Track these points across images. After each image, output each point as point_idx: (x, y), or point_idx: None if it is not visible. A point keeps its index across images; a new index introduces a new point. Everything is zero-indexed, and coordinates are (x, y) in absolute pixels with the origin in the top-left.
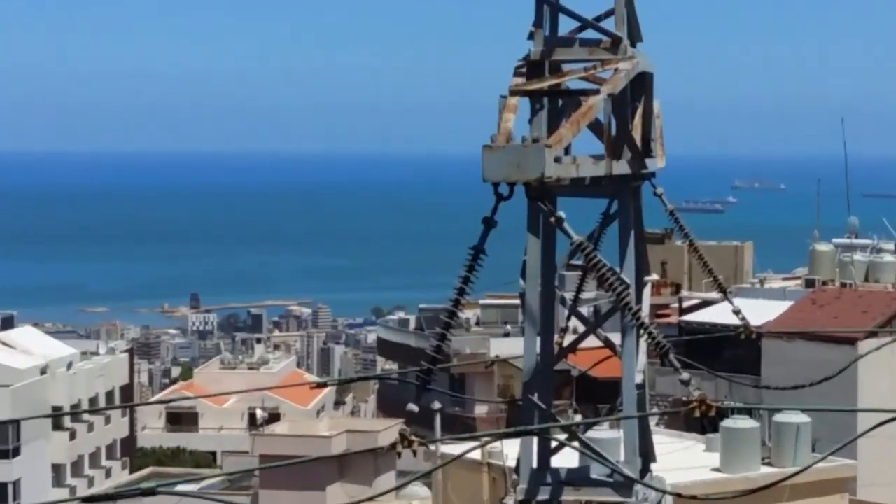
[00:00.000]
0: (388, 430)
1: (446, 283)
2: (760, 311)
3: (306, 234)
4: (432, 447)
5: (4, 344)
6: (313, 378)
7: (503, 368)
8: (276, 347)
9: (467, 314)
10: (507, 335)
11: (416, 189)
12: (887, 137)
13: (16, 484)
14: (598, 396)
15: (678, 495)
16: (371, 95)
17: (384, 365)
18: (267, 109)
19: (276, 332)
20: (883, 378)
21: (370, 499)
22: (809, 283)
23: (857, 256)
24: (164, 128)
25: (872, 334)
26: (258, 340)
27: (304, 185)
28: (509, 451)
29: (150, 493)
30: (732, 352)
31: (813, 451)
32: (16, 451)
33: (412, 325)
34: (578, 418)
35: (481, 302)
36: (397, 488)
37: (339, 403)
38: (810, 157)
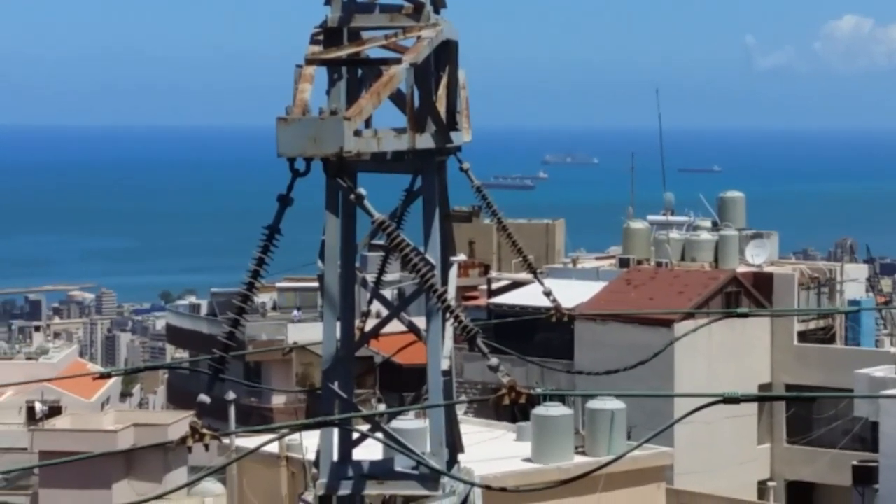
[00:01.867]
0: (178, 423)
1: (240, 265)
2: (573, 293)
3: (88, 213)
4: (226, 440)
5: None
6: (97, 368)
7: (302, 356)
8: (57, 336)
9: (263, 298)
10: (299, 321)
11: (209, 166)
12: (704, 111)
13: None
14: (403, 384)
15: (487, 487)
16: (162, 69)
17: (174, 353)
18: (51, 85)
19: (57, 319)
20: (700, 361)
21: (160, 496)
22: (624, 263)
23: (673, 234)
24: None
25: (689, 316)
26: (37, 328)
27: (88, 161)
28: (309, 443)
29: None
30: (544, 335)
31: (628, 438)
32: None
33: (204, 310)
34: (382, 407)
35: (278, 285)
36: (188, 484)
37: (125, 395)
38: (624, 130)
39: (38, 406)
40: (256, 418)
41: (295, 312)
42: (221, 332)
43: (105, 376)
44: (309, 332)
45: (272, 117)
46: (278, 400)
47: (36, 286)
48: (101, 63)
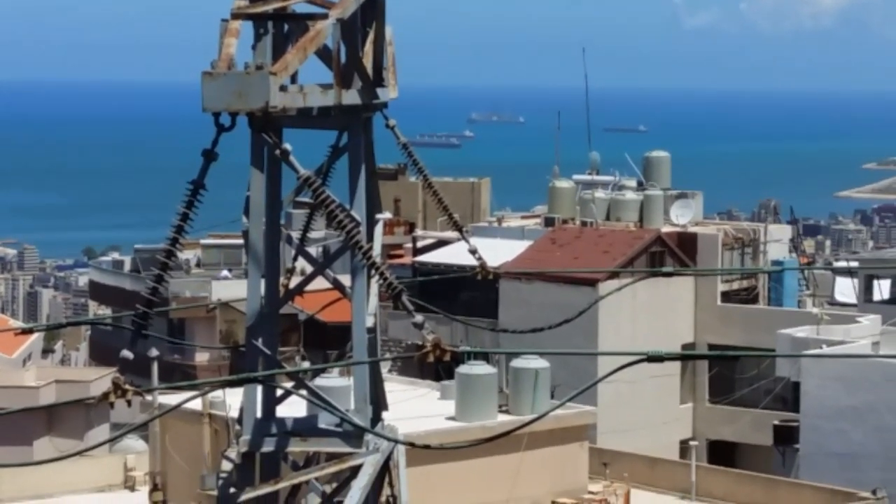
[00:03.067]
0: (100, 380)
1: (165, 221)
2: (498, 251)
3: (8, 168)
4: (149, 397)
5: None
6: (19, 324)
7: (226, 313)
8: None
9: (187, 255)
10: (225, 279)
11: (135, 122)
12: (630, 70)
13: None
14: (327, 342)
15: (411, 445)
16: (89, 24)
17: (97, 310)
18: None
19: None
20: (624, 320)
21: (80, 452)
22: (549, 222)
23: (599, 194)
24: None
25: (614, 275)
26: None
27: (9, 116)
28: (232, 400)
29: None
30: (469, 294)
31: (552, 397)
32: None
33: (127, 266)
34: (306, 365)
35: (202, 242)
36: (110, 440)
37: (47, 352)
38: (550, 88)
39: None
40: (179, 375)
41: (224, 272)
42: (145, 288)
43: (27, 332)
44: (233, 289)
45: (198, 72)
46: (202, 357)
47: None
48: (27, 17)
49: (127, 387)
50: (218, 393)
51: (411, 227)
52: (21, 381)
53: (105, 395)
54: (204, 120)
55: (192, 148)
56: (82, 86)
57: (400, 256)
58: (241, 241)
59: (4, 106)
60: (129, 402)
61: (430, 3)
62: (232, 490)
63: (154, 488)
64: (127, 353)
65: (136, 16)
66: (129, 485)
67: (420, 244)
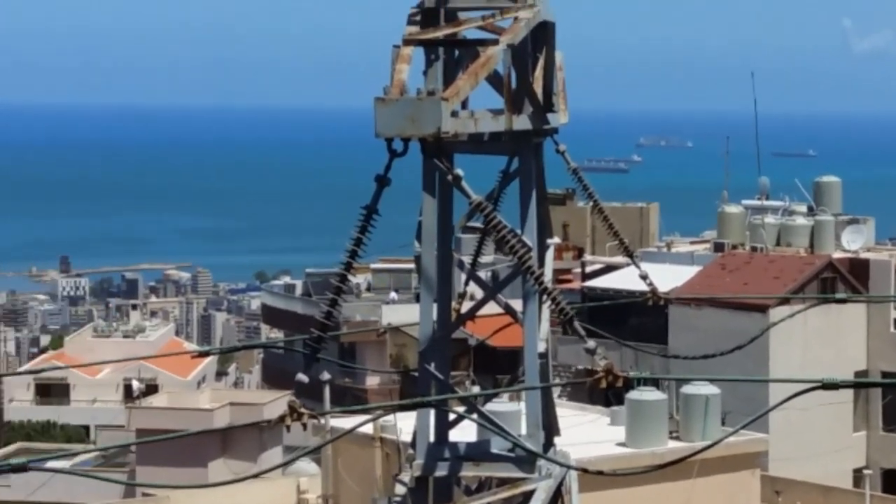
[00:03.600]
0: (273, 403)
1: (335, 245)
2: (667, 277)
3: (186, 193)
4: (320, 421)
5: None
6: (193, 347)
7: (396, 337)
8: (153, 314)
9: (358, 279)
10: (394, 303)
11: (306, 146)
12: (799, 95)
13: None
14: (497, 367)
15: (584, 471)
16: (261, 49)
17: (269, 333)
18: (155, 64)
19: (153, 298)
20: (795, 347)
21: (255, 475)
22: (718, 247)
23: (768, 219)
24: (30, 79)
25: (784, 301)
26: (134, 307)
27: (187, 140)
28: (403, 424)
29: (21, 469)
30: (638, 319)
31: (723, 424)
32: None
33: (299, 290)
34: (476, 390)
35: (373, 266)
36: (284, 464)
37: (221, 374)
38: (719, 114)
39: (135, 384)
40: (350, 399)
41: (392, 294)
42: (319, 311)
43: (202, 355)
44: (403, 314)
45: (369, 98)
46: (372, 381)
47: (133, 265)
48: (200, 40)
49: (303, 410)
50: (389, 417)
51: (580, 253)
52: (196, 404)
53: (281, 418)
54: (375, 145)
55: (364, 172)
56: (257, 111)
57: (569, 281)
58: (410, 266)
59: (185, 131)
60: (304, 426)
61: (598, 28)
62: None
63: None
64: (302, 377)
65: (307, 39)
66: None
67: (589, 269)
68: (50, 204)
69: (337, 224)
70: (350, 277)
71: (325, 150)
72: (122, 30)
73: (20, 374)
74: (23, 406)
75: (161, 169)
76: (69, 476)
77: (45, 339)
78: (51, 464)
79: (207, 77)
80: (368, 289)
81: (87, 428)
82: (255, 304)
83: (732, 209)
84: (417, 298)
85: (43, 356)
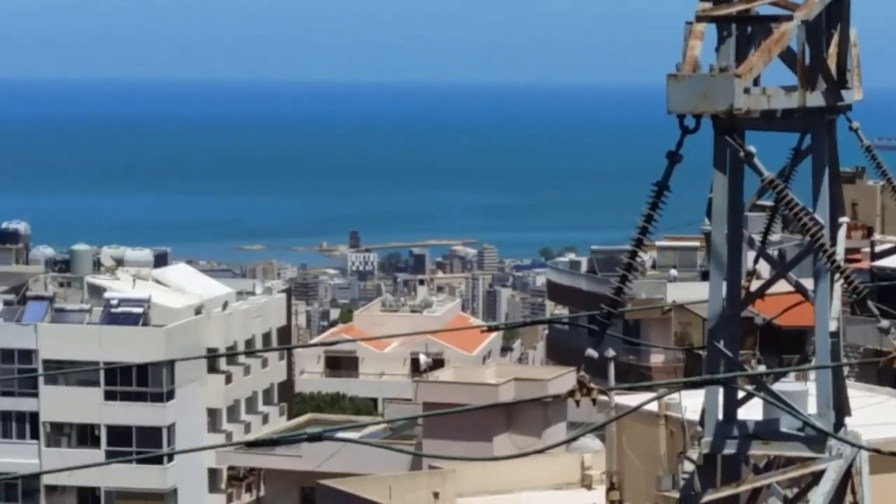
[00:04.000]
0: (558, 379)
1: (619, 223)
2: None
3: (474, 170)
4: (604, 397)
5: (158, 282)
6: (478, 322)
7: (681, 315)
8: (440, 289)
9: (644, 256)
10: (674, 280)
11: (592, 123)
12: None
13: (170, 429)
14: (782, 346)
15: (877, 451)
16: (549, 27)
17: (553, 309)
18: (445, 42)
19: (440, 274)
20: None
21: (540, 451)
22: None
23: None
24: (324, 58)
25: None
26: (421, 282)
27: (476, 118)
28: (687, 402)
29: (317, 438)
30: None
31: None
32: (170, 395)
33: (584, 267)
34: (762, 369)
35: (658, 244)
36: (570, 440)
37: (506, 350)
38: None
39: (422, 358)
40: (634, 376)
41: (671, 271)
42: (610, 287)
43: (490, 330)
44: (687, 291)
45: (658, 74)
46: (656, 358)
47: (420, 241)
48: (484, 15)
49: (592, 385)
50: (674, 395)
51: (869, 232)
52: (482, 379)
53: (570, 393)
54: (667, 122)
55: (652, 150)
56: (542, 88)
57: (857, 261)
58: (695, 244)
59: (471, 109)
60: (593, 401)
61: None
62: (693, 491)
63: (611, 487)
64: (591, 353)
65: (601, 15)
66: (586, 483)
67: (878, 248)
68: (341, 180)
69: (622, 201)
70: (640, 254)
71: (608, 128)
72: (420, 4)
73: (311, 346)
74: (313, 378)
75: (449, 147)
76: (357, 447)
77: (334, 313)
78: (340, 435)
79: (492, 54)
80: (653, 266)
81: (374, 400)
82: (540, 281)
83: None
84: (703, 276)
85: (333, 329)
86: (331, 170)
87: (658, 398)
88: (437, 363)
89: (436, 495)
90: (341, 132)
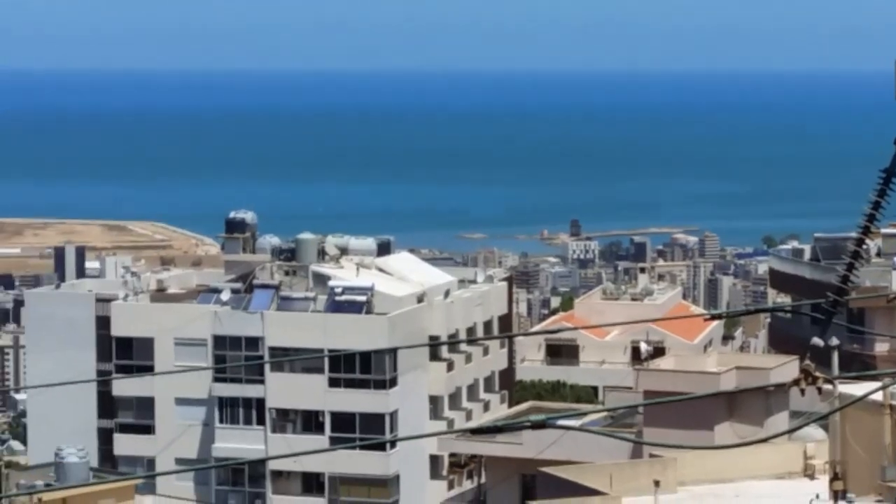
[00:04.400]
0: (780, 367)
1: (843, 210)
2: None
3: (696, 157)
4: (829, 386)
5: (382, 270)
6: (699, 310)
7: None
8: (661, 277)
9: (869, 244)
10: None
11: (815, 110)
12: None
13: (393, 415)
14: None
15: None
16: (781, 14)
17: (776, 297)
18: (674, 29)
19: (661, 262)
20: None
21: (763, 440)
22: None
23: None
24: (544, 48)
25: None
26: (642, 270)
27: (698, 105)
28: None
29: (540, 426)
30: None
31: None
32: (393, 382)
33: (807, 255)
34: None
35: (884, 231)
36: (793, 430)
37: (727, 338)
38: None
39: (643, 346)
40: (858, 365)
41: None
42: (836, 275)
43: (714, 318)
44: None
45: (883, 62)
46: (881, 347)
47: (641, 228)
48: (714, 1)
49: (817, 374)
50: None
51: None
52: (703, 367)
53: (795, 382)
54: (883, 109)
55: (878, 137)
56: (762, 75)
57: None
58: None
59: (687, 95)
60: (819, 390)
61: None
62: None
63: (834, 477)
64: (817, 341)
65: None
66: (808, 473)
67: None
68: (562, 169)
69: (845, 189)
70: (867, 241)
71: (833, 115)
72: None
73: (531, 334)
74: (534, 366)
75: (671, 134)
76: (578, 435)
77: (555, 301)
78: (562, 423)
79: (721, 41)
80: (878, 254)
81: (595, 388)
82: (762, 269)
83: None
84: None
85: (553, 317)
86: (552, 158)
87: (883, 388)
88: (658, 351)
89: (657, 484)
90: (563, 121)
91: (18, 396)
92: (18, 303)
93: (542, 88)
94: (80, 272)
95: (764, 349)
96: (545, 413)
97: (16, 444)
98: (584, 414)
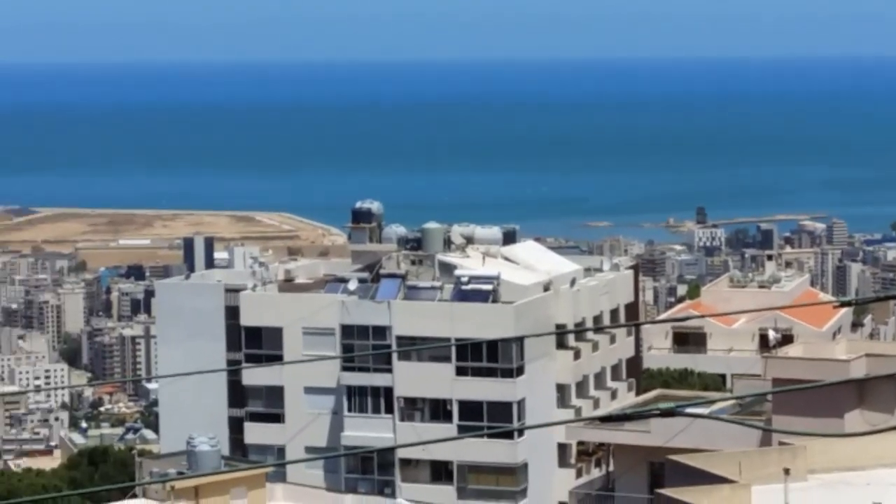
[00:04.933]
0: None
1: None
2: None
3: (824, 144)
4: None
5: (507, 259)
6: (827, 297)
7: None
8: (788, 265)
9: None
10: None
11: None
12: None
13: (520, 404)
14: None
15: None
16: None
17: None
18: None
19: (788, 249)
20: None
21: (893, 428)
22: None
23: None
24: (666, 34)
25: None
26: (769, 257)
27: (829, 92)
28: None
29: (670, 414)
30: None
31: None
32: (520, 370)
33: None
34: None
35: None
36: None
37: (856, 325)
38: None
39: (771, 334)
40: None
41: None
42: None
43: (844, 305)
44: None
45: None
46: None
47: (768, 215)
48: None
49: None
50: None
51: None
52: (832, 354)
53: None
54: None
55: None
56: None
57: None
58: None
59: (821, 82)
60: None
61: None
62: None
63: None
64: None
65: None
66: None
67: None
68: (687, 156)
69: None
70: None
71: None
72: None
73: (658, 322)
74: (661, 354)
75: (798, 121)
76: (706, 423)
77: (681, 289)
78: (691, 410)
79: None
80: None
81: (722, 376)
82: (892, 255)
83: None
84: None
85: (680, 305)
86: (677, 146)
87: None
88: (787, 339)
89: (786, 471)
90: (687, 108)
91: (150, 386)
92: (149, 293)
93: (666, 76)
94: (209, 263)
95: (894, 336)
96: (673, 401)
97: (148, 433)
98: (713, 402)
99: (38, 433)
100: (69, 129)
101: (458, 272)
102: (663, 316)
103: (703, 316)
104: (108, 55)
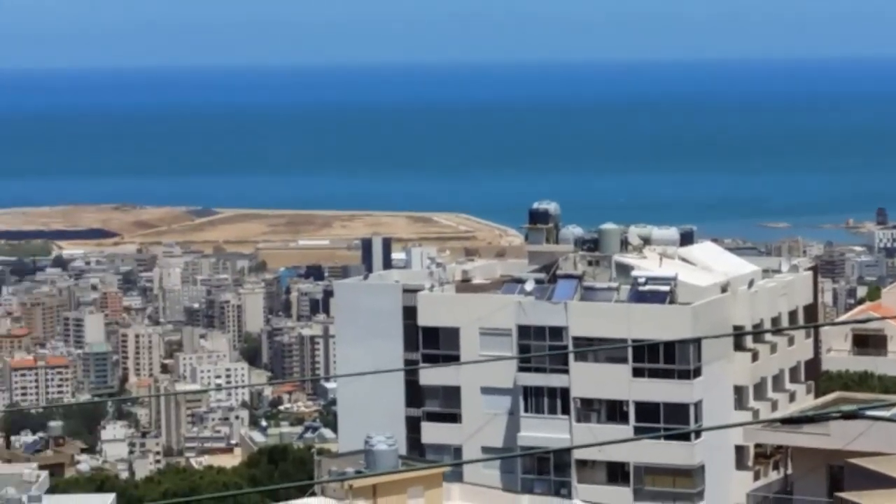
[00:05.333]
0: None
1: None
2: None
3: None
4: None
5: (684, 260)
6: None
7: None
8: None
9: None
10: None
11: None
12: None
13: (697, 405)
14: None
15: None
16: None
17: None
18: None
19: None
20: None
21: None
22: None
23: None
24: (846, 34)
25: None
26: None
27: None
28: None
29: (852, 416)
30: None
31: None
32: (697, 372)
33: None
34: None
35: None
36: None
37: None
38: None
39: None
40: None
41: None
42: None
43: None
44: None
45: None
46: None
47: None
48: None
49: None
50: None
51: None
52: None
53: None
54: None
55: None
56: None
57: None
58: None
59: None
60: None
61: None
62: None
63: None
64: None
65: None
66: None
67: None
68: (868, 157)
69: None
70: None
71: None
72: None
73: (838, 324)
74: (840, 356)
75: None
76: (887, 426)
77: (861, 290)
78: (871, 413)
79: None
80: None
81: None
82: None
83: None
84: None
85: (860, 307)
86: (857, 146)
87: None
88: None
89: None
90: (869, 108)
91: (329, 385)
92: (328, 293)
93: (836, 76)
94: (387, 263)
95: None
96: (853, 404)
97: (327, 432)
98: (894, 405)
99: (218, 431)
100: (251, 130)
101: (634, 273)
102: (843, 318)
103: (883, 318)
104: (302, 57)
